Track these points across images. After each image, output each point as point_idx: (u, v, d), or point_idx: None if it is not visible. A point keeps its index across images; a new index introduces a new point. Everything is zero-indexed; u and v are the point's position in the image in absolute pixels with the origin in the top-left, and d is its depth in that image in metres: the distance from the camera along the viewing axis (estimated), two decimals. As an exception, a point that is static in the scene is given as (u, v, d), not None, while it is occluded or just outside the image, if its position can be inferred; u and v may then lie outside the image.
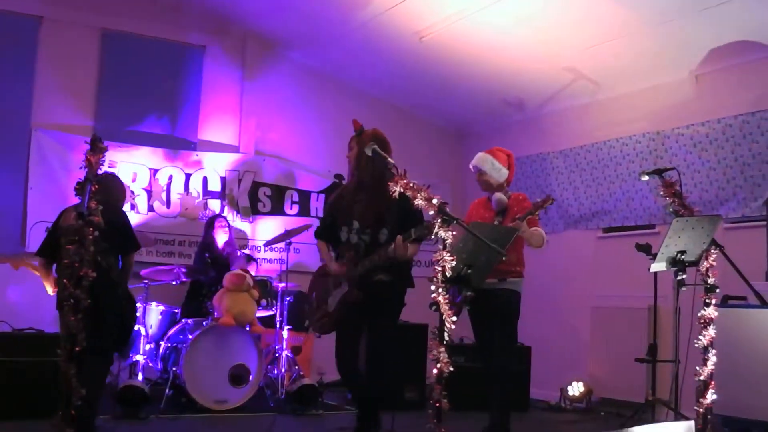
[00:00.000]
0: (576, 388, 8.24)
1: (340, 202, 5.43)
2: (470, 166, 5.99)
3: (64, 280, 4.16)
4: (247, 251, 8.53)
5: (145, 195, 8.97)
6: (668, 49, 7.55)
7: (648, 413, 7.03)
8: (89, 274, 3.84)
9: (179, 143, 9.30)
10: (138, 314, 7.35)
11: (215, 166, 9.34)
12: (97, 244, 5.13)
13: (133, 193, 8.85)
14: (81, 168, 4.14)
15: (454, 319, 3.94)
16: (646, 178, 5.59)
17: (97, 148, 4.02)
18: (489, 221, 5.76)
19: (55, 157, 8.44)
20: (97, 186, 4.10)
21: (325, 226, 5.56)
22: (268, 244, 8.75)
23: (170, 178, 9.11)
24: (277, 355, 7.70)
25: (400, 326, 7.61)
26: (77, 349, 3.83)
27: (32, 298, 7.78)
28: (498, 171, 5.88)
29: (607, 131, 8.61)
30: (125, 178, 8.76)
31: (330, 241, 5.51)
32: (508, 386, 5.82)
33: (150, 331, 7.64)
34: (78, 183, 4.02)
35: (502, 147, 6.11)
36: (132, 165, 8.88)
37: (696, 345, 5.02)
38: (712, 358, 4.96)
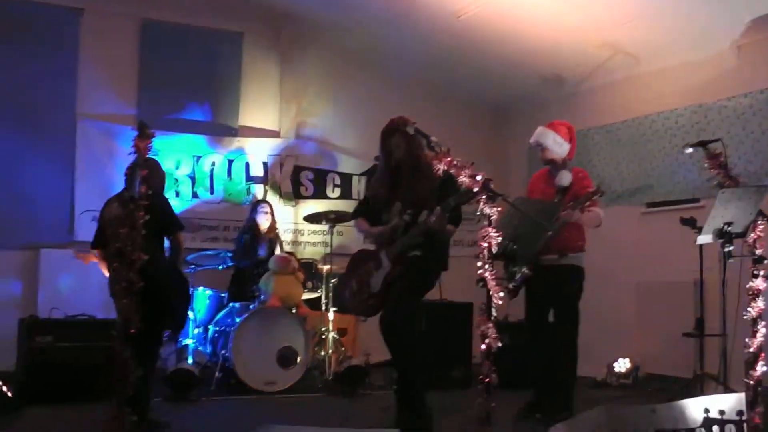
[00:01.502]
0: (622, 365, 8.21)
1: (380, 184, 5.54)
2: (530, 142, 5.96)
3: (115, 264, 4.26)
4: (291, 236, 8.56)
5: (189, 182, 9.08)
6: (709, 20, 7.45)
7: (696, 388, 6.98)
8: (141, 257, 3.91)
9: (221, 129, 9.38)
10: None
11: (257, 152, 9.42)
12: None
13: (176, 180, 8.97)
14: (130, 154, 4.21)
15: (501, 295, 3.95)
16: (690, 150, 5.56)
17: (144, 134, 4.09)
18: (549, 196, 5.73)
19: (100, 146, 8.57)
20: (145, 171, 4.17)
21: (363, 207, 5.73)
22: (309, 218, 8.74)
23: (213, 164, 9.21)
24: (323, 336, 7.77)
25: (445, 305, 7.72)
26: (131, 331, 3.90)
27: (83, 285, 7.95)
28: (560, 146, 5.86)
29: (648, 106, 8.53)
30: (168, 166, 8.89)
31: (366, 218, 5.63)
32: (570, 363, 5.85)
33: (198, 316, 7.75)
34: (128, 168, 4.10)
35: (543, 123, 6.07)
36: (175, 152, 8.99)
37: (744, 317, 4.98)
38: (762, 330, 4.91)
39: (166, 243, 5.69)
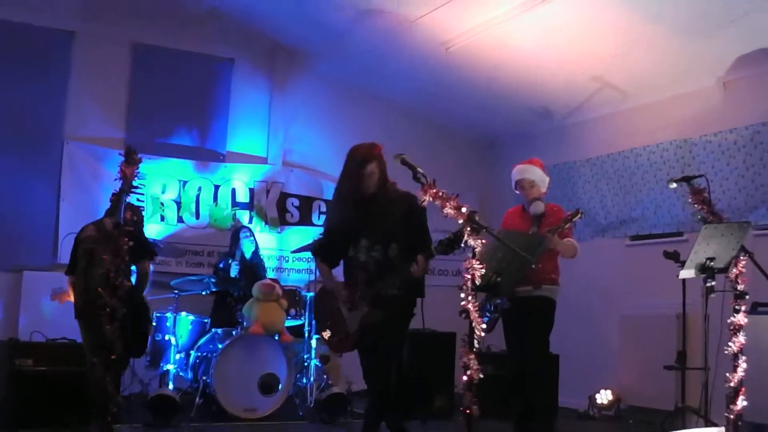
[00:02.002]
0: (604, 396, 8.21)
1: (344, 215, 5.11)
2: (518, 179, 5.90)
3: (98, 289, 4.24)
4: (275, 263, 8.57)
5: (174, 206, 9.07)
6: (695, 57, 7.53)
7: (678, 421, 7.00)
8: (124, 283, 3.90)
9: (208, 155, 9.39)
10: (154, 323, 7.49)
11: (243, 178, 9.43)
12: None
13: (162, 204, 8.96)
14: (115, 179, 4.21)
15: (484, 326, 3.96)
16: (674, 185, 5.59)
17: (132, 160, 4.09)
18: (525, 228, 5.76)
19: (86, 169, 8.56)
20: (129, 196, 4.18)
21: (323, 245, 5.31)
22: (295, 251, 8.79)
23: (199, 189, 9.21)
24: (305, 364, 7.75)
25: (429, 335, 7.69)
26: (112, 357, 3.88)
27: (65, 309, 7.87)
28: (543, 181, 5.91)
29: (634, 140, 8.59)
30: (155, 190, 8.89)
31: (328, 260, 5.26)
32: (543, 394, 5.84)
33: (180, 341, 7.71)
34: (113, 194, 4.10)
35: (529, 157, 6.13)
36: (161, 177, 8.98)
37: (726, 352, 5.02)
38: (742, 365, 4.95)
39: None
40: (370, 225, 4.99)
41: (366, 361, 5.17)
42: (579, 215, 5.61)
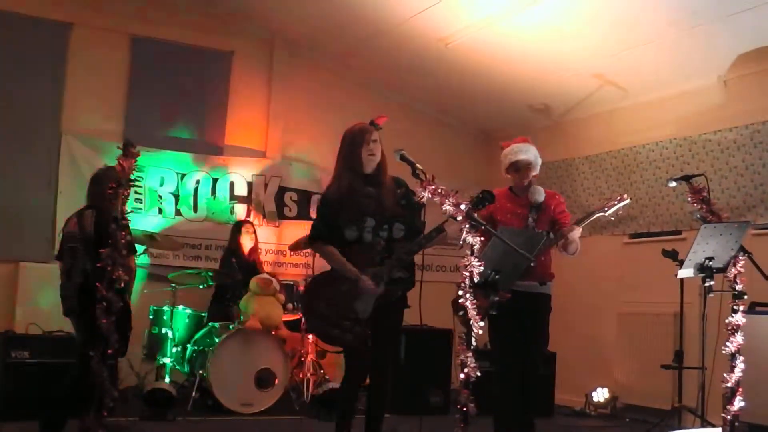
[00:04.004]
0: (601, 394, 8.22)
1: (345, 198, 4.83)
2: (522, 159, 5.50)
3: (96, 284, 4.23)
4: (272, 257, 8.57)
5: (172, 199, 9.04)
6: (696, 54, 7.52)
7: (674, 420, 7.00)
8: (122, 277, 3.88)
9: (207, 148, 9.37)
10: (151, 316, 7.49)
11: (242, 171, 9.41)
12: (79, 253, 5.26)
13: (160, 197, 8.94)
14: (113, 173, 4.19)
15: (482, 324, 3.94)
16: (673, 184, 5.55)
17: (129, 153, 4.08)
18: (522, 216, 5.51)
19: (84, 162, 8.52)
20: (128, 190, 4.16)
21: (331, 227, 4.87)
22: (292, 248, 8.77)
23: (197, 182, 9.18)
24: (302, 358, 7.74)
25: (426, 331, 7.69)
26: (109, 351, 3.87)
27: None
28: (538, 162, 5.55)
29: (633, 137, 8.59)
30: (153, 183, 8.86)
31: (332, 244, 4.89)
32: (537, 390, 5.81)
33: (177, 335, 7.70)
34: (110, 187, 4.07)
35: (521, 138, 5.75)
36: (160, 169, 8.96)
37: (723, 352, 5.01)
38: (740, 365, 4.93)
39: None
40: (377, 204, 4.84)
41: (373, 351, 4.93)
42: (626, 200, 5.36)
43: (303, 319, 5.02)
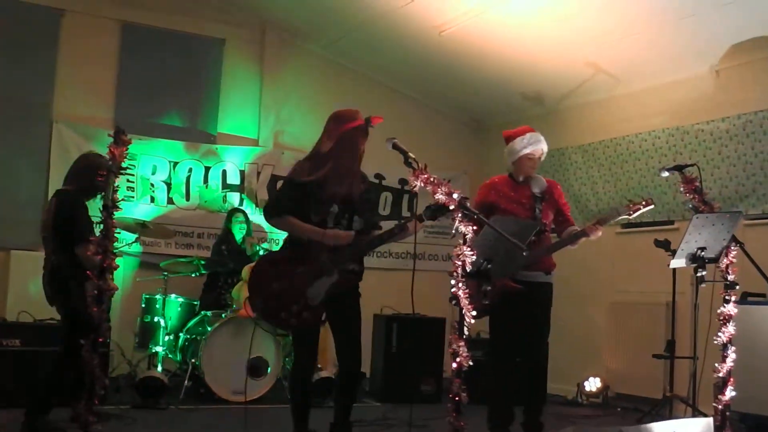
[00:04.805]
0: (593, 383, 8.24)
1: (320, 182, 4.78)
2: (534, 150, 5.60)
3: (88, 272, 4.22)
4: (266, 246, 8.55)
5: (164, 187, 9.02)
6: (689, 43, 7.52)
7: (665, 409, 7.03)
8: (113, 265, 3.87)
9: (199, 136, 9.35)
10: (143, 304, 7.49)
11: (234, 159, 9.38)
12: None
13: (152, 185, 8.91)
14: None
15: (474, 313, 3.94)
16: (666, 174, 5.54)
17: (120, 141, 4.05)
18: (527, 205, 5.60)
19: (75, 149, 8.44)
20: (118, 177, 4.13)
21: (295, 201, 4.79)
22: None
23: (190, 170, 9.16)
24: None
25: (418, 320, 7.71)
26: (100, 340, 3.86)
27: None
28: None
29: (626, 126, 8.58)
30: (145, 171, 8.83)
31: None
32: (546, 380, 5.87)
33: (169, 323, 7.69)
34: (102, 175, 4.05)
35: (528, 127, 5.86)
36: (152, 157, 8.93)
37: (715, 342, 5.01)
38: (732, 355, 4.94)
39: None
40: (346, 194, 4.84)
41: (336, 339, 4.97)
42: (651, 205, 5.50)
43: (248, 297, 4.89)
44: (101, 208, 3.94)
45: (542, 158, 5.68)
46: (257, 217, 9.29)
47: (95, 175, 4.88)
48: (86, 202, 5.48)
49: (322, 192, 4.78)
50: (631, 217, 5.61)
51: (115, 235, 3.92)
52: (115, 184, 4.02)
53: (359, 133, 4.87)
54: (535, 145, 5.61)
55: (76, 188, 5.50)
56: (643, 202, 5.52)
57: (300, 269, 4.75)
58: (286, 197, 4.89)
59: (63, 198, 5.47)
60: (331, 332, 5.05)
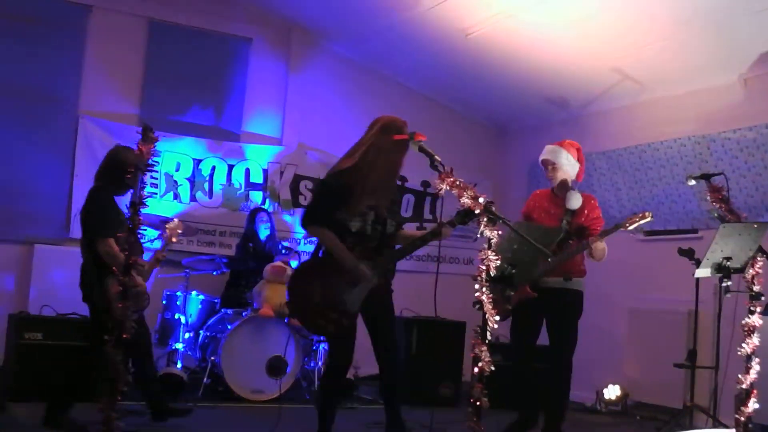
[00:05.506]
0: (612, 391, 8.19)
1: (359, 188, 4.78)
2: (540, 160, 5.84)
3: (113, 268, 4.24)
4: (287, 244, 8.57)
5: (188, 185, 9.04)
6: (717, 51, 7.46)
7: (685, 419, 6.97)
8: (138, 262, 3.88)
9: (223, 134, 9.36)
10: (164, 300, 7.52)
11: (258, 158, 9.40)
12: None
13: (176, 182, 8.94)
14: (131, 157, 4.19)
15: (497, 318, 3.93)
16: (693, 182, 5.53)
17: (148, 138, 4.06)
18: (556, 217, 5.67)
19: (100, 144, 8.51)
20: (145, 175, 4.15)
21: (331, 213, 4.80)
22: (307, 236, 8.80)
23: (213, 168, 9.18)
24: (314, 347, 7.74)
25: (439, 323, 7.69)
26: (124, 336, 3.87)
27: (75, 284, 7.87)
28: (572, 166, 5.77)
29: (651, 133, 8.52)
30: (169, 168, 8.86)
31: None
32: (568, 389, 5.83)
33: (189, 320, 7.72)
34: (129, 171, 4.07)
35: (543, 145, 6.00)
36: (176, 155, 8.96)
37: (739, 353, 4.98)
38: (756, 367, 4.91)
39: None
40: (383, 201, 4.90)
41: (374, 340, 5.02)
42: (648, 217, 5.57)
43: (288, 303, 4.97)
44: (128, 205, 3.95)
45: (557, 169, 5.76)
46: (279, 217, 9.32)
47: (124, 172, 4.87)
48: (115, 198, 5.51)
49: (361, 199, 4.79)
50: (629, 229, 5.70)
51: (141, 231, 3.94)
52: (142, 182, 4.03)
53: (403, 147, 4.83)
54: (541, 155, 5.85)
55: (104, 184, 5.52)
56: (641, 215, 5.70)
57: (338, 276, 4.78)
58: (325, 205, 4.88)
59: (90, 193, 5.51)
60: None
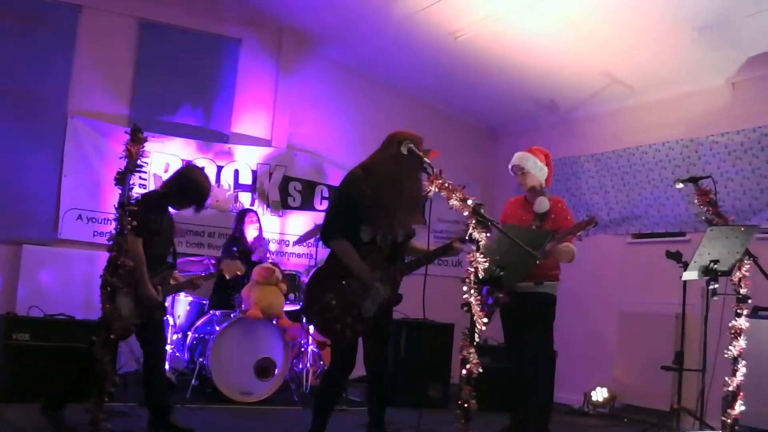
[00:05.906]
0: (600, 394, 8.21)
1: (373, 200, 4.82)
2: (510, 166, 5.95)
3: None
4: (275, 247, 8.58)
5: (176, 186, 9.00)
6: (705, 55, 7.49)
7: (672, 422, 6.99)
8: (126, 263, 3.88)
9: (212, 135, 9.34)
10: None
11: (247, 159, 9.39)
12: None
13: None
14: (120, 158, 4.18)
15: (485, 320, 3.94)
16: (680, 185, 5.56)
17: (137, 139, 4.06)
18: (527, 223, 5.74)
19: (89, 144, 8.53)
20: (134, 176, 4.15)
21: (347, 223, 4.87)
22: (299, 241, 8.81)
23: (202, 169, 9.14)
24: (302, 349, 7.74)
25: (427, 325, 7.69)
26: (111, 336, 3.86)
27: (64, 284, 7.89)
28: (540, 170, 5.88)
29: (639, 137, 8.56)
30: (157, 169, 8.84)
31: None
32: (546, 388, 5.86)
33: (178, 322, 7.71)
34: (118, 173, 4.07)
35: (527, 148, 6.09)
36: (164, 155, 8.93)
37: (725, 355, 5.01)
38: (742, 369, 4.93)
39: None
40: (398, 215, 4.91)
41: (370, 345, 5.07)
42: (593, 223, 5.56)
43: (304, 309, 5.04)
44: (116, 206, 3.95)
45: (525, 175, 5.88)
46: (267, 217, 9.31)
47: (195, 192, 5.43)
48: (165, 206, 5.65)
49: (374, 210, 4.81)
50: (578, 237, 5.64)
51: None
52: (130, 183, 4.03)
53: (419, 165, 4.75)
54: (511, 161, 5.99)
55: (168, 192, 5.65)
56: (587, 220, 5.59)
57: (357, 283, 4.84)
58: (342, 216, 4.92)
59: (147, 193, 5.71)
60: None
